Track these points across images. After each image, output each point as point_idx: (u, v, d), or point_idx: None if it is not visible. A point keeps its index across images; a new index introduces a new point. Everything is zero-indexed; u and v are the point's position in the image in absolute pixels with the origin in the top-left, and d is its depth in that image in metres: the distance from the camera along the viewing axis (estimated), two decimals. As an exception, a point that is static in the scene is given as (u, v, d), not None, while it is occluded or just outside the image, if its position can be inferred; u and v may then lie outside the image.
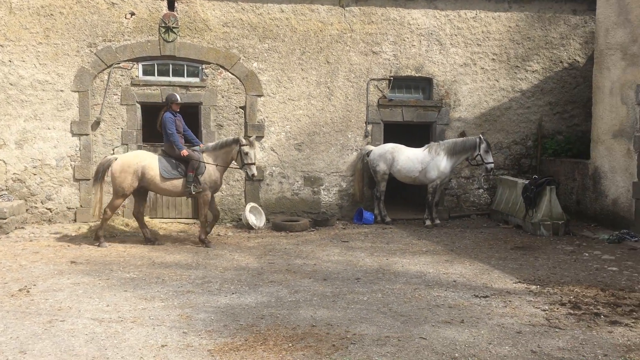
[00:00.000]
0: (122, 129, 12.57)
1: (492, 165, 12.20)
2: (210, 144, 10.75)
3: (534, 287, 7.65)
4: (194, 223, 12.50)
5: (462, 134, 13.50)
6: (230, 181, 12.90)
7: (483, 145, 11.99)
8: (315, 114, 13.16)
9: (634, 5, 11.03)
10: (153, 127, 13.98)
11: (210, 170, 10.41)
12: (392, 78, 13.29)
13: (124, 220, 12.12)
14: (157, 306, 6.73)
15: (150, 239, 10.54)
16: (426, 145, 12.58)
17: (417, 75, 13.44)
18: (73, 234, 11.29)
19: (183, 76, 12.84)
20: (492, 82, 13.73)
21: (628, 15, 11.20)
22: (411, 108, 13.44)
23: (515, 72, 13.81)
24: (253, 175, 10.45)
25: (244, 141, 10.35)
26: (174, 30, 12.55)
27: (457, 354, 5.24)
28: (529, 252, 9.91)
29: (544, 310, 6.58)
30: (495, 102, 13.77)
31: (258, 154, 12.90)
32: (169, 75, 12.78)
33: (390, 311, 6.55)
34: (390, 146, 12.77)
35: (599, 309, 6.64)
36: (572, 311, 6.55)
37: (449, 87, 13.57)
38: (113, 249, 10.04)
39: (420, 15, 13.36)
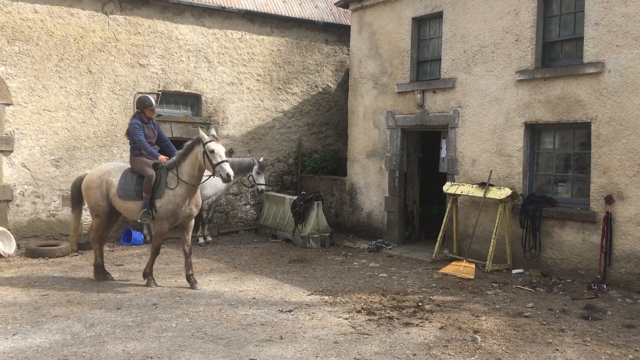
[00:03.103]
0: None
1: (264, 187, 12.69)
2: (173, 157, 8.44)
3: (326, 297, 8.14)
4: None
5: (231, 151, 13.71)
6: (-29, 202, 11.06)
7: (256, 167, 12.36)
8: (76, 127, 12.05)
9: (383, 41, 12.55)
10: None
11: (170, 194, 8.21)
12: (160, 92, 12.87)
13: None
14: None
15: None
16: (201, 163, 12.43)
17: (186, 91, 13.26)
18: None
19: None
20: (258, 102, 14.25)
21: (379, 50, 12.69)
22: (180, 124, 13.19)
23: (278, 94, 14.54)
24: (228, 175, 7.93)
25: (206, 137, 8.08)
26: None
27: (292, 371, 5.34)
28: (306, 265, 10.49)
29: (347, 319, 7.06)
30: (261, 121, 14.30)
31: (6, 171, 11.33)
32: None
33: (206, 335, 6.34)
34: (159, 163, 12.31)
35: (389, 313, 7.37)
36: (369, 317, 7.16)
37: (217, 104, 13.67)
38: None
39: (188, 31, 13.23)
